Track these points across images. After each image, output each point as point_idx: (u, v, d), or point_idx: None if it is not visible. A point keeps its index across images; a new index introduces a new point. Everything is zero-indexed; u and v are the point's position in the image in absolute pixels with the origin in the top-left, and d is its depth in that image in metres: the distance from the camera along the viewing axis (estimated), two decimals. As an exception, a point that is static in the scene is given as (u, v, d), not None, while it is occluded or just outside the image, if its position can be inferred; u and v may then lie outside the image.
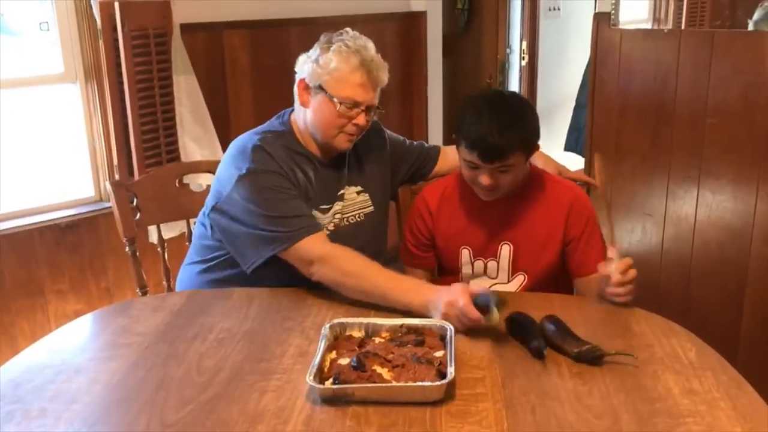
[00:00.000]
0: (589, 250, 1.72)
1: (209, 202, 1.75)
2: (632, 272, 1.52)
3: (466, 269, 1.77)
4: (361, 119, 1.72)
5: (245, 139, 1.75)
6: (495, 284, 1.76)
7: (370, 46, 1.74)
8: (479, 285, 1.67)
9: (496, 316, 1.39)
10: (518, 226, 1.72)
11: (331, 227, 1.77)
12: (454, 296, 1.44)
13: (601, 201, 1.58)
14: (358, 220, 1.83)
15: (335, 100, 1.69)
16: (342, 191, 1.82)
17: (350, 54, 1.69)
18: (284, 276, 1.66)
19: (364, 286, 1.59)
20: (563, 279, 1.77)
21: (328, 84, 1.70)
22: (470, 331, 1.43)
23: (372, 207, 1.86)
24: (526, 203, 1.73)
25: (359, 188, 1.85)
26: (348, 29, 1.77)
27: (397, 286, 1.58)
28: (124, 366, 1.36)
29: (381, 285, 1.58)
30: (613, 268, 1.51)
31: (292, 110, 1.82)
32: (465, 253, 1.77)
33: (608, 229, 1.58)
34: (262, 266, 1.66)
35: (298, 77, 1.76)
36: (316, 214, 1.75)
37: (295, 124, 1.80)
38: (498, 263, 1.74)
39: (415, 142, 2.04)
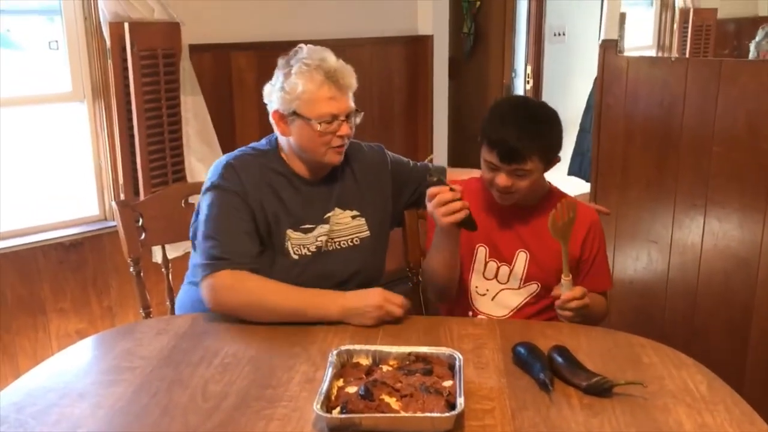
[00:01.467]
0: (595, 273, 1.77)
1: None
2: (574, 303, 1.60)
3: (478, 268, 1.77)
4: (344, 129, 1.73)
5: (227, 156, 1.80)
6: (504, 289, 1.76)
7: (328, 55, 1.73)
8: (487, 286, 1.76)
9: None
10: (537, 237, 1.73)
11: (312, 249, 1.76)
12: (381, 295, 1.59)
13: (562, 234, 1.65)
14: (353, 244, 1.82)
15: (313, 121, 1.69)
16: (329, 214, 1.80)
17: (312, 71, 1.68)
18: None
19: (279, 306, 1.62)
20: None
21: (301, 108, 1.70)
22: (479, 361, 1.43)
23: (368, 232, 1.84)
24: (546, 216, 1.74)
25: (355, 212, 1.84)
26: (302, 45, 1.76)
27: (313, 300, 1.62)
28: (128, 391, 1.35)
29: (297, 304, 1.62)
30: (562, 294, 1.61)
31: None
32: (481, 251, 1.77)
33: (564, 260, 1.63)
34: None
35: (270, 108, 1.76)
36: (297, 234, 1.75)
37: (281, 145, 1.81)
38: (512, 270, 1.75)
39: (419, 164, 2.03)
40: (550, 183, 1.82)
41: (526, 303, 1.75)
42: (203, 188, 1.78)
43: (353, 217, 1.84)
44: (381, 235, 1.90)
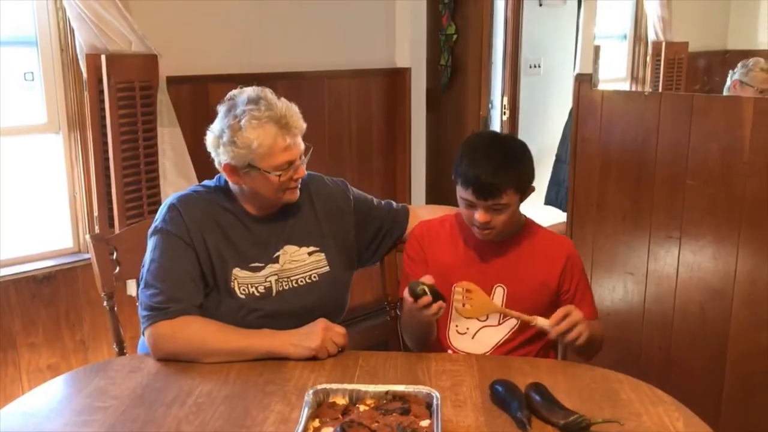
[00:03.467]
0: (578, 304, 1.74)
1: None
2: (563, 325, 1.56)
3: (457, 306, 1.76)
4: (300, 172, 1.72)
5: (173, 196, 1.78)
6: (484, 326, 1.76)
7: (271, 97, 1.69)
8: (467, 325, 1.75)
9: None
10: (513, 271, 1.73)
11: (261, 289, 1.73)
12: (321, 324, 1.63)
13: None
14: (311, 280, 1.78)
15: (272, 173, 1.67)
16: (278, 253, 1.76)
17: (263, 123, 1.64)
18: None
19: (221, 347, 1.61)
20: None
21: (256, 161, 1.66)
22: (456, 399, 1.41)
23: (328, 267, 1.81)
24: (522, 250, 1.76)
25: (312, 248, 1.81)
26: (234, 92, 1.72)
27: (253, 336, 1.63)
28: (99, 432, 1.32)
29: (238, 342, 1.61)
30: (546, 324, 1.58)
31: None
32: (459, 290, 1.75)
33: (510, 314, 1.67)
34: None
35: (217, 159, 1.72)
36: (245, 272, 1.72)
37: (231, 187, 1.78)
38: None
39: (383, 202, 2.00)
40: (525, 216, 1.83)
41: (506, 339, 1.75)
42: (149, 231, 1.75)
43: (310, 254, 1.80)
44: (343, 270, 1.86)
